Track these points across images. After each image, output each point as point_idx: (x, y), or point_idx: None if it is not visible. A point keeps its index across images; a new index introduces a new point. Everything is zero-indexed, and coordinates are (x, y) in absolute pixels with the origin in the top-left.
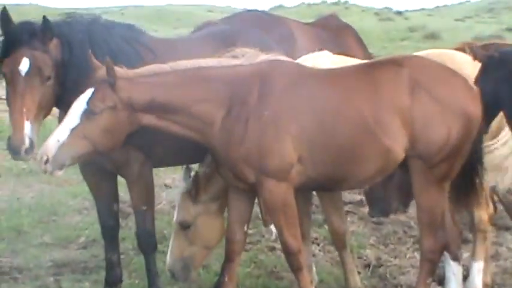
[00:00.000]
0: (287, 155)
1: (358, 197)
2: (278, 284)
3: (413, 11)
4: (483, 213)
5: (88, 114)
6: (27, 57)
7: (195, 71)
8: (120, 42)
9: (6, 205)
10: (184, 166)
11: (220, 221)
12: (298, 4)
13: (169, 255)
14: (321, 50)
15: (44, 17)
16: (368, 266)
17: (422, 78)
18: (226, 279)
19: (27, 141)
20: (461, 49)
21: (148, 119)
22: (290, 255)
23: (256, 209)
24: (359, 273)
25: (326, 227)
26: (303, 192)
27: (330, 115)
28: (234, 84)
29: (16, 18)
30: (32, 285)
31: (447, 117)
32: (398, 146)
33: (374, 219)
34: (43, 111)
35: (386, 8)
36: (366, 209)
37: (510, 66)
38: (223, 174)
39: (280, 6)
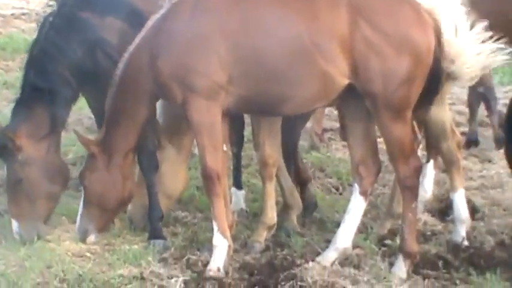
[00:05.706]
0: (213, 74)
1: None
2: None
3: None
4: None
5: None
6: None
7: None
8: None
9: None
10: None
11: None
12: None
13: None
14: None
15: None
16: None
17: (362, 7)
18: None
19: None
20: None
21: None
22: (208, 179)
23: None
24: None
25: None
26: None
27: (263, 35)
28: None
29: None
30: None
31: (390, 49)
32: (337, 71)
33: None
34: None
35: None
36: None
37: None
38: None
39: None
